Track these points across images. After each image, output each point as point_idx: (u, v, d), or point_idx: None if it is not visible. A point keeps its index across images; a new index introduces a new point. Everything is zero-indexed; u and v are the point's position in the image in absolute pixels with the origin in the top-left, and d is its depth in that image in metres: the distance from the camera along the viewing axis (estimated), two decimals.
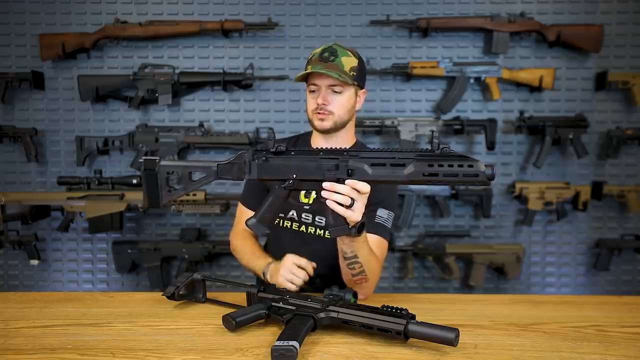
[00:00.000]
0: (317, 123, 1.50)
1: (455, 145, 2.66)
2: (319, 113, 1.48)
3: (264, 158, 1.21)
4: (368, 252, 1.35)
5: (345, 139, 1.56)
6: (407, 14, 2.60)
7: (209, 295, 1.37)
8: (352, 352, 1.03)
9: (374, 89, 2.63)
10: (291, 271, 1.38)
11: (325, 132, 1.51)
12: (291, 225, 1.58)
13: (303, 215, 1.55)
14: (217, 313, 1.19)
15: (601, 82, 2.58)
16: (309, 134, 1.65)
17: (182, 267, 2.59)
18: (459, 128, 2.55)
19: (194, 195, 2.50)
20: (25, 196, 2.56)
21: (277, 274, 1.40)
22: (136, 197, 2.51)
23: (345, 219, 1.17)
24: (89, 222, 2.51)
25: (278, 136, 1.68)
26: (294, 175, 1.18)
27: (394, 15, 2.59)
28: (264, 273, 1.49)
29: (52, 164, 2.68)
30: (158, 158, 1.25)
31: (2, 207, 2.50)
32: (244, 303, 1.27)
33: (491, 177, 1.04)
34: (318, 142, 1.58)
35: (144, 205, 1.23)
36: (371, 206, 1.21)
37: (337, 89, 1.47)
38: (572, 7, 2.59)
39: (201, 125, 2.59)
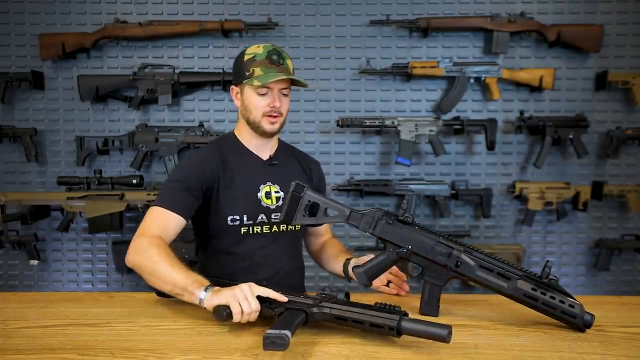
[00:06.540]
0: (268, 127, 1.48)
1: (456, 145, 2.67)
2: (271, 116, 1.47)
3: (390, 221, 1.29)
4: None
5: (276, 140, 1.60)
6: (407, 14, 2.60)
7: None
8: (352, 352, 1.03)
9: (374, 89, 2.63)
10: (246, 296, 1.13)
11: (272, 135, 1.52)
12: (262, 230, 1.51)
13: (272, 216, 1.52)
14: None
15: (601, 82, 2.58)
16: (232, 134, 1.59)
17: None
18: (459, 128, 2.55)
19: None
20: (25, 196, 2.55)
21: (228, 291, 1.15)
22: (136, 197, 2.50)
23: (439, 302, 1.27)
24: (88, 222, 2.51)
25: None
26: (409, 247, 1.27)
27: (394, 15, 2.59)
28: (205, 289, 1.19)
29: (52, 164, 2.68)
30: (307, 186, 1.33)
31: (2, 207, 2.49)
32: None
33: (588, 325, 1.15)
34: (252, 142, 1.54)
35: (280, 217, 1.39)
36: None
37: (285, 91, 1.48)
38: (572, 7, 2.59)
39: (201, 125, 2.59)
